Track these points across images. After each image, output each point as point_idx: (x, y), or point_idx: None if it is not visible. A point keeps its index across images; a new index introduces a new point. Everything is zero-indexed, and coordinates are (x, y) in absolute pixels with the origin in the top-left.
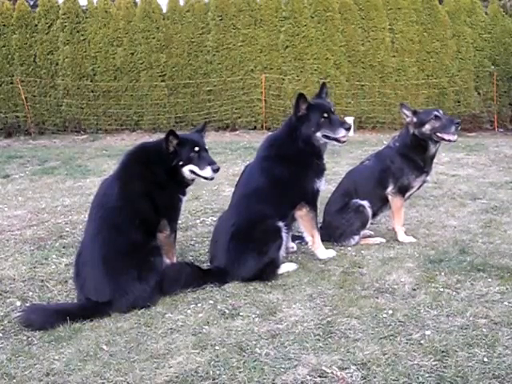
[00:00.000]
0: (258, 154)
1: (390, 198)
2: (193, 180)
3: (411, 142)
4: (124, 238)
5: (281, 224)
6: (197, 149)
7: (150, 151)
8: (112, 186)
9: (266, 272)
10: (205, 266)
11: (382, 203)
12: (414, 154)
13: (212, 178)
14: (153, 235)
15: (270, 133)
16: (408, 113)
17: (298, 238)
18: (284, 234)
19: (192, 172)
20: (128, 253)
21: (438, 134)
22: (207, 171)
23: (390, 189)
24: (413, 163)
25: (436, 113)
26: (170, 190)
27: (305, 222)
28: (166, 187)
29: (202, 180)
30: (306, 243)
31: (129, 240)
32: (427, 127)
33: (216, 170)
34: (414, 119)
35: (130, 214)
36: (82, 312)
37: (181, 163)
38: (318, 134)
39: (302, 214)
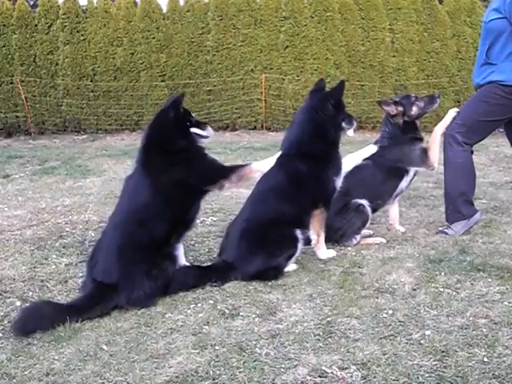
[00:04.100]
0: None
1: (421, 169)
2: None
3: (403, 130)
4: (146, 232)
5: (299, 234)
6: (193, 114)
7: (162, 135)
8: (140, 182)
9: (269, 275)
10: (206, 265)
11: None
12: (409, 134)
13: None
14: (175, 237)
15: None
16: (391, 107)
17: None
18: (300, 245)
19: (196, 134)
20: (146, 248)
21: (424, 112)
22: (209, 131)
23: (414, 168)
24: (411, 140)
25: (413, 95)
26: (192, 154)
27: (315, 221)
28: (187, 155)
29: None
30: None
31: (150, 235)
32: (414, 109)
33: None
34: (400, 108)
35: (158, 210)
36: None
37: (188, 124)
38: (343, 124)
39: (315, 213)
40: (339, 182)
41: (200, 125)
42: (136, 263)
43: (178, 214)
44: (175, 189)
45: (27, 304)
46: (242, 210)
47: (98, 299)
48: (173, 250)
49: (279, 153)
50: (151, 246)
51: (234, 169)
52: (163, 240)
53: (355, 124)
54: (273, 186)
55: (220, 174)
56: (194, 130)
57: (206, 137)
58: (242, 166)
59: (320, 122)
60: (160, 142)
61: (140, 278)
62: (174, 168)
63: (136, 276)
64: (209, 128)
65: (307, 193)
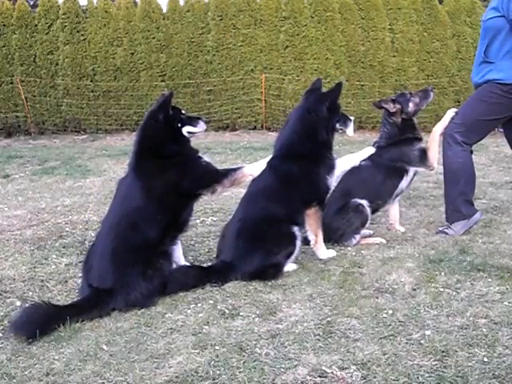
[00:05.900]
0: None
1: (421, 169)
2: None
3: (401, 130)
4: (139, 235)
5: (297, 231)
6: (183, 111)
7: (152, 139)
8: (133, 186)
9: (269, 273)
10: (205, 265)
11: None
12: (407, 134)
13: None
14: (168, 239)
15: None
16: (389, 105)
17: None
18: (298, 243)
19: (188, 132)
20: (139, 249)
21: (420, 107)
22: (201, 125)
23: (413, 168)
24: (409, 140)
25: (407, 92)
26: (183, 158)
27: (311, 220)
28: (179, 161)
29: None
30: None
31: (143, 238)
32: (411, 105)
33: (205, 123)
34: (398, 106)
35: (151, 213)
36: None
37: (179, 125)
38: (337, 125)
39: (310, 213)
40: (332, 181)
41: (192, 121)
42: (130, 265)
43: (170, 218)
44: (168, 193)
45: (27, 304)
46: (236, 212)
47: (95, 303)
48: (167, 248)
49: (270, 156)
50: (144, 248)
51: (226, 173)
52: (156, 242)
53: (351, 125)
54: (264, 186)
55: (213, 178)
56: (186, 128)
57: (199, 132)
58: (234, 170)
59: (312, 123)
60: (151, 148)
61: (135, 279)
62: (167, 173)
63: (131, 278)
64: (201, 122)
65: (298, 192)
